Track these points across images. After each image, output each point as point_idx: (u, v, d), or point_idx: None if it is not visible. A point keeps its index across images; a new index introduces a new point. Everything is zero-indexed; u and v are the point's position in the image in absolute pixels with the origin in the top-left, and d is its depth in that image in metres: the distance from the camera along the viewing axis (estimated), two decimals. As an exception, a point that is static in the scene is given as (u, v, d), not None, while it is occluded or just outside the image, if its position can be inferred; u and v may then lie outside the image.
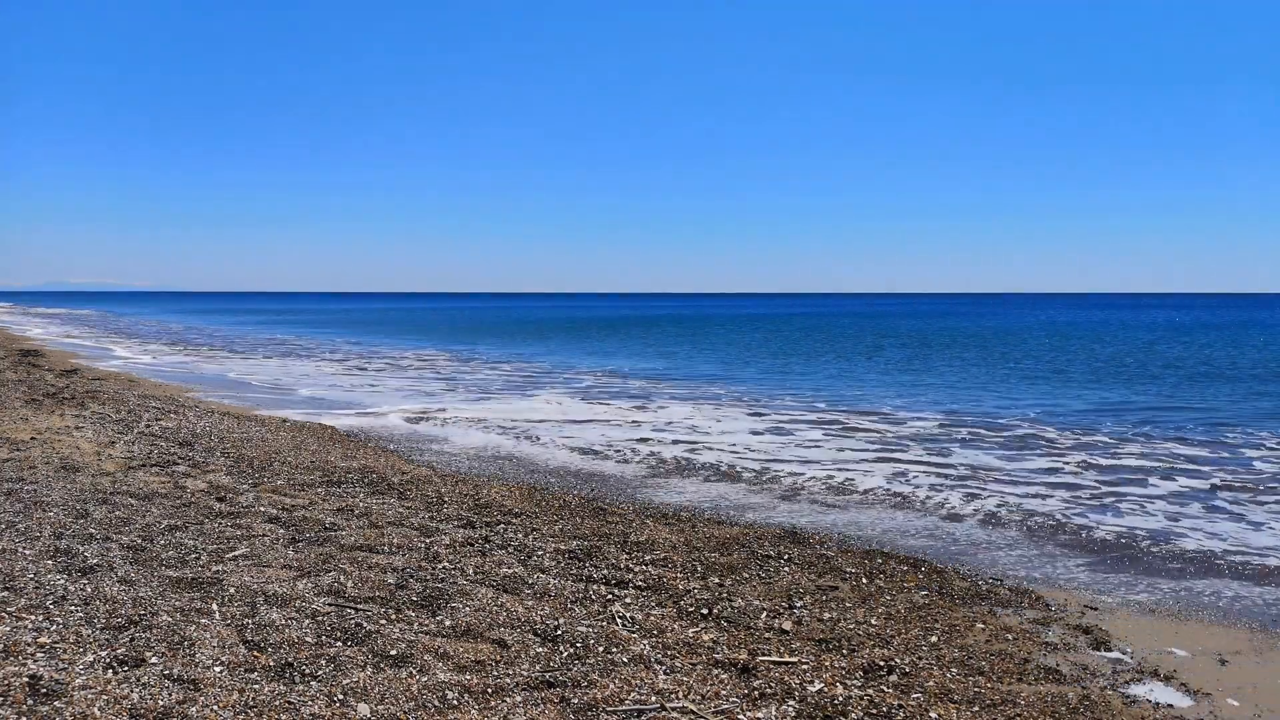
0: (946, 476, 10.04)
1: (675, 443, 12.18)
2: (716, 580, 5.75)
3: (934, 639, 4.87)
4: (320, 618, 4.57)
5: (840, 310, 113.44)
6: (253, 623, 4.41)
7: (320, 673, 3.94)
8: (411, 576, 5.39)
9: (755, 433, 13.24)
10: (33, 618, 4.22)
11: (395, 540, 6.19)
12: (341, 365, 26.18)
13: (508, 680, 4.05)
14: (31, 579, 4.75)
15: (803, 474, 10.12)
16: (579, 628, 4.73)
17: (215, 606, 4.62)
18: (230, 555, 5.57)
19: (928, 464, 10.74)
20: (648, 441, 12.27)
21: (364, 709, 3.65)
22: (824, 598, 5.50)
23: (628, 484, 9.51)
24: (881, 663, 4.44)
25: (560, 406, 16.39)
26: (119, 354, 28.30)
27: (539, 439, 12.50)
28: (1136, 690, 4.39)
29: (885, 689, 4.16)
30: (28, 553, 5.21)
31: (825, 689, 4.13)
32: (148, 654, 3.93)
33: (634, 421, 14.28)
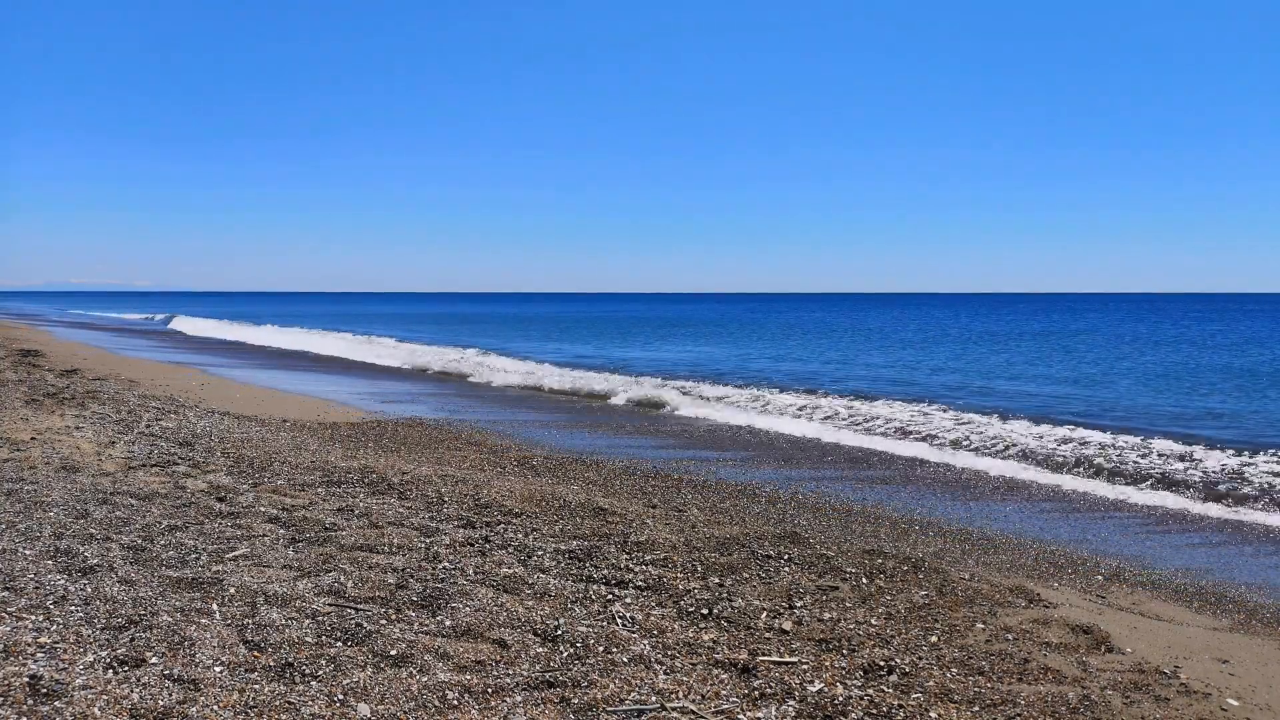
0: None
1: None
2: (716, 580, 5.75)
3: (934, 639, 4.86)
4: (320, 618, 4.57)
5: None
6: (253, 623, 4.41)
7: (320, 673, 3.94)
8: (411, 576, 5.39)
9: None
10: (33, 618, 4.23)
11: (395, 540, 6.19)
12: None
13: (508, 680, 4.05)
14: (31, 579, 4.75)
15: None
16: (579, 628, 4.73)
17: (215, 606, 4.62)
18: (230, 555, 5.57)
19: None
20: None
21: (364, 709, 3.65)
22: (824, 598, 5.50)
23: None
24: (881, 663, 4.44)
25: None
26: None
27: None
28: (1136, 690, 4.38)
29: (885, 689, 4.16)
30: (28, 553, 5.21)
31: (825, 689, 4.13)
32: (148, 654, 3.94)
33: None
